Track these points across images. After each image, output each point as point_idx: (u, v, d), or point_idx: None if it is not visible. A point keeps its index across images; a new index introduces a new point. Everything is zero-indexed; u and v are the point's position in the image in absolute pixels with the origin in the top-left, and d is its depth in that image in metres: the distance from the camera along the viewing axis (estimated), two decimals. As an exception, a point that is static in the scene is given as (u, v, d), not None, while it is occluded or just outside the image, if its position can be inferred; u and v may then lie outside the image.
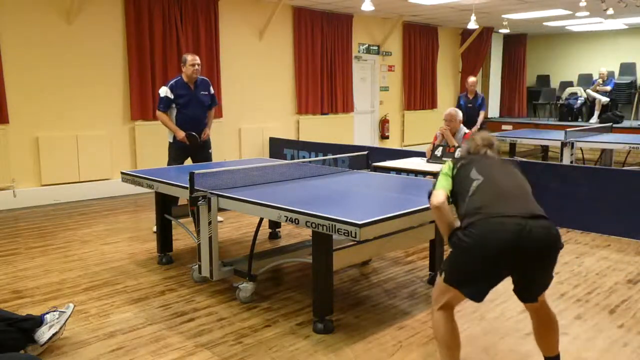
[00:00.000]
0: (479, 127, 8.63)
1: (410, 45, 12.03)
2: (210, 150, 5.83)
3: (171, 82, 5.57)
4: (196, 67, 5.49)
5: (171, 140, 5.65)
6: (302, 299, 3.80)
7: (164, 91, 5.50)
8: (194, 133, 5.57)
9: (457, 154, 5.55)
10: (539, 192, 6.60)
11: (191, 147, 5.60)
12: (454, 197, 2.64)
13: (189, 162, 5.76)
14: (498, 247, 2.30)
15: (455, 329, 2.56)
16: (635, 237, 5.26)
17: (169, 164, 5.66)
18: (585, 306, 3.68)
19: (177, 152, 5.64)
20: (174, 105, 5.54)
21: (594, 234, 5.48)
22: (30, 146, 6.94)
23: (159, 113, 5.57)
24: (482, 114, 8.78)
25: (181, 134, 5.51)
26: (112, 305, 3.73)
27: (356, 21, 10.71)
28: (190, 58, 5.51)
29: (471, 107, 8.69)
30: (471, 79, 8.95)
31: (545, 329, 2.64)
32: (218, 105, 8.55)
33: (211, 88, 5.78)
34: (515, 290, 2.55)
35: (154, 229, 5.04)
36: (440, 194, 2.58)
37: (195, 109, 5.60)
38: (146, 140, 7.72)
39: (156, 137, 7.82)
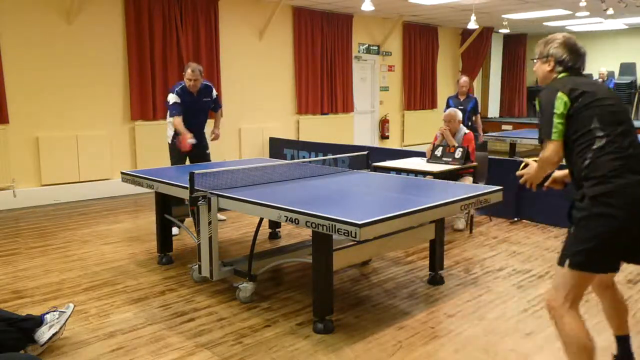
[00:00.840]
0: (481, 133, 8.07)
1: (410, 45, 12.03)
2: (207, 151, 5.84)
3: (177, 88, 5.59)
4: (191, 82, 5.48)
5: (169, 142, 5.68)
6: (302, 299, 3.80)
7: (174, 98, 5.52)
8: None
9: (457, 154, 5.57)
10: (538, 192, 6.56)
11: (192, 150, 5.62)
12: (565, 140, 2.31)
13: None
14: (636, 216, 2.17)
15: (585, 326, 2.29)
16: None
17: (172, 164, 5.67)
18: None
19: (178, 154, 5.62)
20: None
21: (594, 234, 5.47)
22: (30, 146, 6.94)
23: (173, 119, 5.51)
24: (479, 118, 7.95)
25: (187, 136, 5.37)
26: (112, 305, 3.73)
27: (356, 21, 10.71)
28: (189, 72, 5.49)
29: (462, 110, 7.04)
30: (463, 78, 7.89)
31: (619, 307, 2.60)
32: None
33: (214, 92, 5.80)
34: (630, 257, 2.34)
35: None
36: (560, 148, 2.28)
37: (196, 115, 5.65)
38: (146, 140, 7.72)
39: (156, 137, 7.81)
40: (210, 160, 5.86)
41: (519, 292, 3.93)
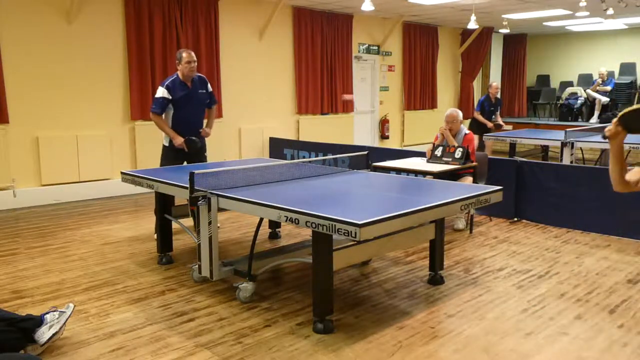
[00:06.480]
0: (503, 123, 10.07)
1: (410, 45, 12.03)
2: (205, 154, 5.53)
3: (167, 81, 5.16)
4: (192, 64, 5.10)
5: (166, 144, 5.31)
6: (302, 299, 3.80)
7: (161, 92, 5.09)
8: (193, 137, 5.23)
9: (457, 154, 5.57)
10: (539, 192, 6.55)
11: (190, 152, 5.26)
12: None
13: None
14: None
15: None
16: (635, 237, 5.25)
17: (161, 166, 5.32)
18: (585, 306, 3.68)
19: (173, 156, 5.28)
20: (170, 106, 5.18)
21: (594, 234, 5.47)
22: (30, 146, 6.94)
23: (153, 116, 5.17)
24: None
25: (179, 140, 5.14)
26: (112, 305, 3.73)
27: (356, 21, 10.71)
28: (185, 55, 5.09)
29: (493, 111, 9.74)
30: (495, 83, 9.87)
31: None
32: (218, 105, 8.58)
33: (209, 85, 5.46)
34: None
35: (155, 236, 4.96)
36: None
37: (193, 109, 5.28)
38: (146, 140, 7.71)
39: (156, 137, 7.78)
40: (206, 161, 5.53)
41: (519, 292, 3.93)
